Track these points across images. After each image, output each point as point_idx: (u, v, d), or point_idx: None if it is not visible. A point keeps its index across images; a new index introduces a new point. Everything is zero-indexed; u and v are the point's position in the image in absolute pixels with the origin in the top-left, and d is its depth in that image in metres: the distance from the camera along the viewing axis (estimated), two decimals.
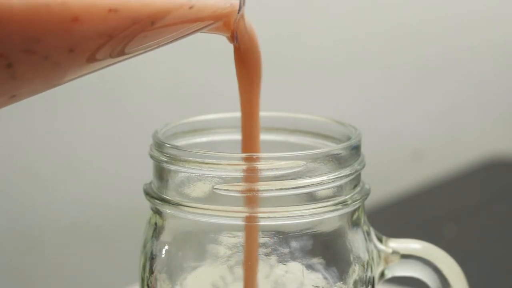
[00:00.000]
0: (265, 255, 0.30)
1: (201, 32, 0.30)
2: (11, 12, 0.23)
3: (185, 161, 0.30)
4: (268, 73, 0.88)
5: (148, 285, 0.32)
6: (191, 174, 0.30)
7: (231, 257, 0.30)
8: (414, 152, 0.96)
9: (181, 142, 0.34)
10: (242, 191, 0.29)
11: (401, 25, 0.92)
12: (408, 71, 0.95)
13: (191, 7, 0.27)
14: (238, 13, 0.29)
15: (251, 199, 0.30)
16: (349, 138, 0.33)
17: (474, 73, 1.02)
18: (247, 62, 0.32)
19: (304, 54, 0.84)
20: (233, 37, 0.30)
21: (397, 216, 0.76)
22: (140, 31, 0.26)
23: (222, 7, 0.29)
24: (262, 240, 0.30)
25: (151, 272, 0.31)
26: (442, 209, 0.78)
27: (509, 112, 1.06)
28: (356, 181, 0.32)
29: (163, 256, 0.31)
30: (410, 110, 0.96)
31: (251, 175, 0.29)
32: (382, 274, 0.33)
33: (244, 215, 0.30)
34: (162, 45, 0.28)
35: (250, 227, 0.30)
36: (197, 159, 0.30)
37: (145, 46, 0.27)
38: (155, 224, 0.32)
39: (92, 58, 0.26)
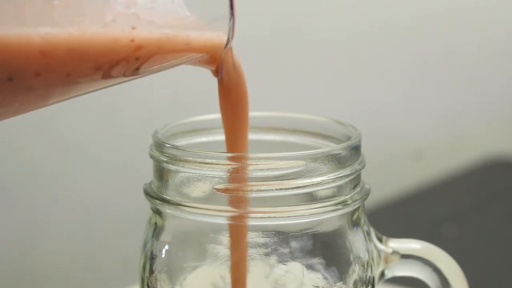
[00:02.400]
0: (265, 255, 0.30)
1: (186, 64, 0.29)
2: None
3: (185, 161, 0.30)
4: (268, 73, 0.88)
5: (148, 285, 0.32)
6: (191, 174, 0.30)
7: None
8: (414, 152, 0.96)
9: (181, 142, 0.34)
10: (242, 191, 0.29)
11: (402, 25, 0.92)
12: (408, 71, 0.95)
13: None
14: (226, 46, 0.29)
15: (251, 199, 0.30)
16: (349, 138, 0.33)
17: (475, 73, 1.02)
18: (232, 97, 0.31)
19: (304, 54, 0.83)
20: (218, 71, 0.30)
21: (397, 216, 0.76)
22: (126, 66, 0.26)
23: (210, 39, 0.28)
24: (262, 240, 0.30)
25: (151, 272, 0.31)
26: (442, 209, 0.78)
27: (510, 112, 1.07)
28: (356, 181, 0.32)
29: (163, 256, 0.31)
30: (410, 110, 0.96)
31: (251, 175, 0.29)
32: (382, 274, 0.33)
33: (244, 215, 0.30)
34: (147, 75, 0.28)
35: (249, 227, 0.30)
36: (197, 159, 0.30)
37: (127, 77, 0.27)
38: (155, 224, 0.32)
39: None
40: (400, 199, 0.81)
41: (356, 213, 0.32)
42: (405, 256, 0.33)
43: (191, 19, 0.27)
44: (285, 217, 0.30)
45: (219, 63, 0.29)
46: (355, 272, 0.31)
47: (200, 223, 0.30)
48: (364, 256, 0.32)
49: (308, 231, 0.30)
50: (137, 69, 0.27)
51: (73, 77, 0.25)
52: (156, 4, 0.26)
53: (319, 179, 0.30)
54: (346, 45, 0.87)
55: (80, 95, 0.27)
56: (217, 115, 0.34)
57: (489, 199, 0.81)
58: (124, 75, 0.27)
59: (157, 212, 0.32)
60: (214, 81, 0.32)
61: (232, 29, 0.28)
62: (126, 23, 0.25)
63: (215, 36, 0.28)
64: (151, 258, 0.32)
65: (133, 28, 0.25)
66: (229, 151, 0.32)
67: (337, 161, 0.31)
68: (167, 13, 0.26)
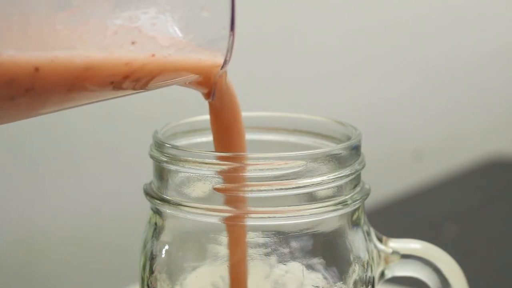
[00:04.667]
0: (265, 255, 0.30)
1: (177, 85, 0.29)
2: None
3: (185, 161, 0.30)
4: (268, 73, 0.88)
5: (148, 285, 0.32)
6: (191, 174, 0.30)
7: None
8: (414, 152, 0.96)
9: (181, 142, 0.34)
10: (242, 191, 0.29)
11: (401, 25, 0.92)
12: (408, 71, 0.95)
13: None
14: (222, 68, 0.28)
15: (251, 199, 0.30)
16: (349, 138, 0.33)
17: (474, 73, 1.02)
18: (225, 122, 0.30)
19: (304, 53, 0.84)
20: (210, 94, 0.29)
21: (397, 216, 0.76)
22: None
23: (204, 59, 0.27)
24: (262, 240, 0.30)
25: (151, 272, 0.31)
26: (442, 209, 0.78)
27: (509, 112, 1.06)
28: (356, 181, 0.32)
29: (163, 256, 0.31)
30: (410, 110, 0.96)
31: (251, 175, 0.29)
32: (382, 274, 0.33)
33: (244, 215, 0.30)
34: (134, 94, 0.28)
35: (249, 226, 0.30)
36: (197, 159, 0.30)
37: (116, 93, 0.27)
38: (155, 224, 0.32)
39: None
40: (400, 199, 0.81)
41: (356, 213, 0.32)
42: (405, 256, 0.33)
43: (189, 38, 0.27)
44: (285, 217, 0.30)
45: (212, 85, 0.29)
46: (355, 272, 0.31)
47: (200, 223, 0.30)
48: (364, 256, 0.32)
49: (308, 231, 0.30)
50: (137, 86, 0.27)
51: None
52: (157, 20, 0.26)
53: (319, 179, 0.30)
54: (346, 45, 0.87)
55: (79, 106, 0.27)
56: None
57: (489, 199, 0.81)
58: (131, 89, 0.27)
59: (157, 212, 0.32)
60: None
61: (230, 50, 0.27)
62: (126, 37, 0.25)
63: (212, 56, 0.27)
64: (151, 258, 0.32)
65: (133, 43, 0.25)
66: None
67: (337, 161, 0.31)
68: (166, 32, 0.26)
